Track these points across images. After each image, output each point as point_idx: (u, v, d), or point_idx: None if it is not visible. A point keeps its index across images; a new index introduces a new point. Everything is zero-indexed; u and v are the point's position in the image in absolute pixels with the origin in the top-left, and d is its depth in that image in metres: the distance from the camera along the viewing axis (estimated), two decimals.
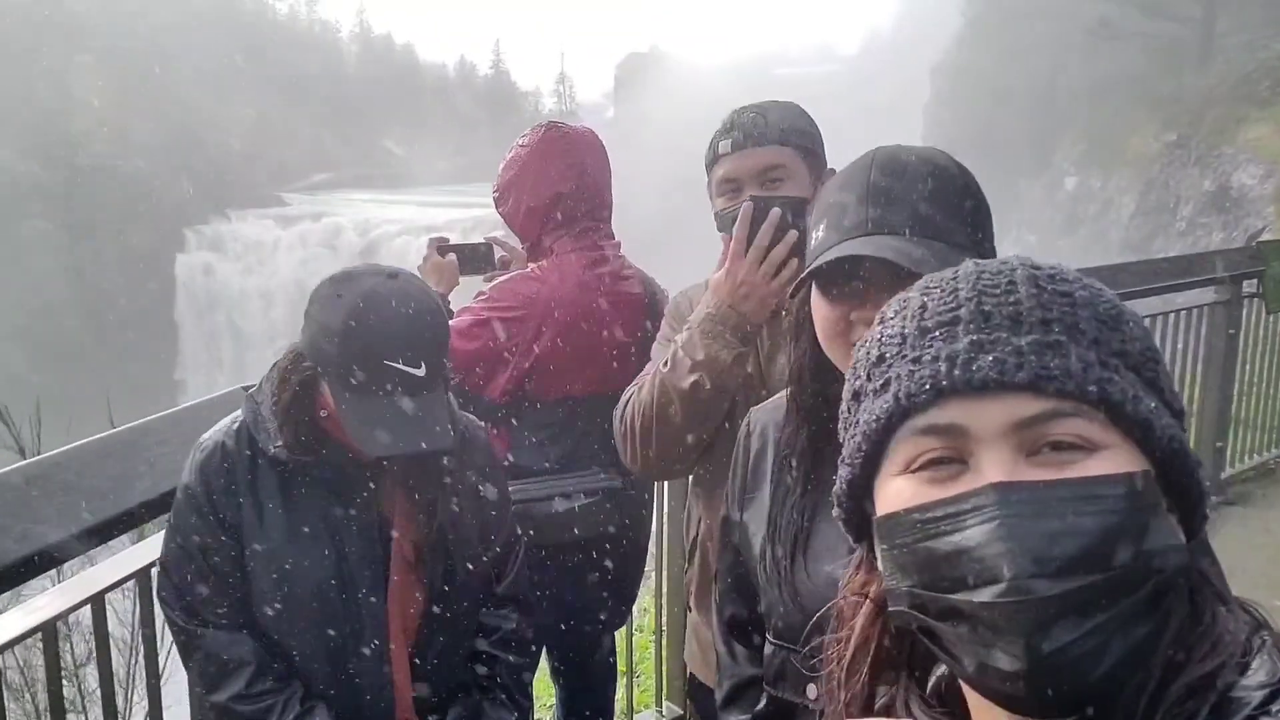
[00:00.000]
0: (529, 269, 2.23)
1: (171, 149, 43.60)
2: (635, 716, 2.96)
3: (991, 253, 1.10)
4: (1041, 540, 0.57)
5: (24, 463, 1.75)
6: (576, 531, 2.15)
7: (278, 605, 1.56)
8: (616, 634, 2.56)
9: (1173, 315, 4.53)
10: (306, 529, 1.57)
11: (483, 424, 1.85)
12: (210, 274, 40.71)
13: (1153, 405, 0.62)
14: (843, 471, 0.70)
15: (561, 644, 2.36)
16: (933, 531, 0.61)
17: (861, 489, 0.69)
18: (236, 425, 1.59)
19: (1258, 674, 0.57)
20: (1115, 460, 0.60)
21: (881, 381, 0.66)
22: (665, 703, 2.97)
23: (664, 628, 2.89)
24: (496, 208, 2.31)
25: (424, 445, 1.47)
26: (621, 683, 2.76)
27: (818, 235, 1.12)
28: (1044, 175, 34.35)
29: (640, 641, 3.35)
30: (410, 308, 1.48)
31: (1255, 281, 4.71)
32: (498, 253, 2.45)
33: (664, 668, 2.96)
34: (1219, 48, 24.09)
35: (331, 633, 1.57)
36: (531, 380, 2.15)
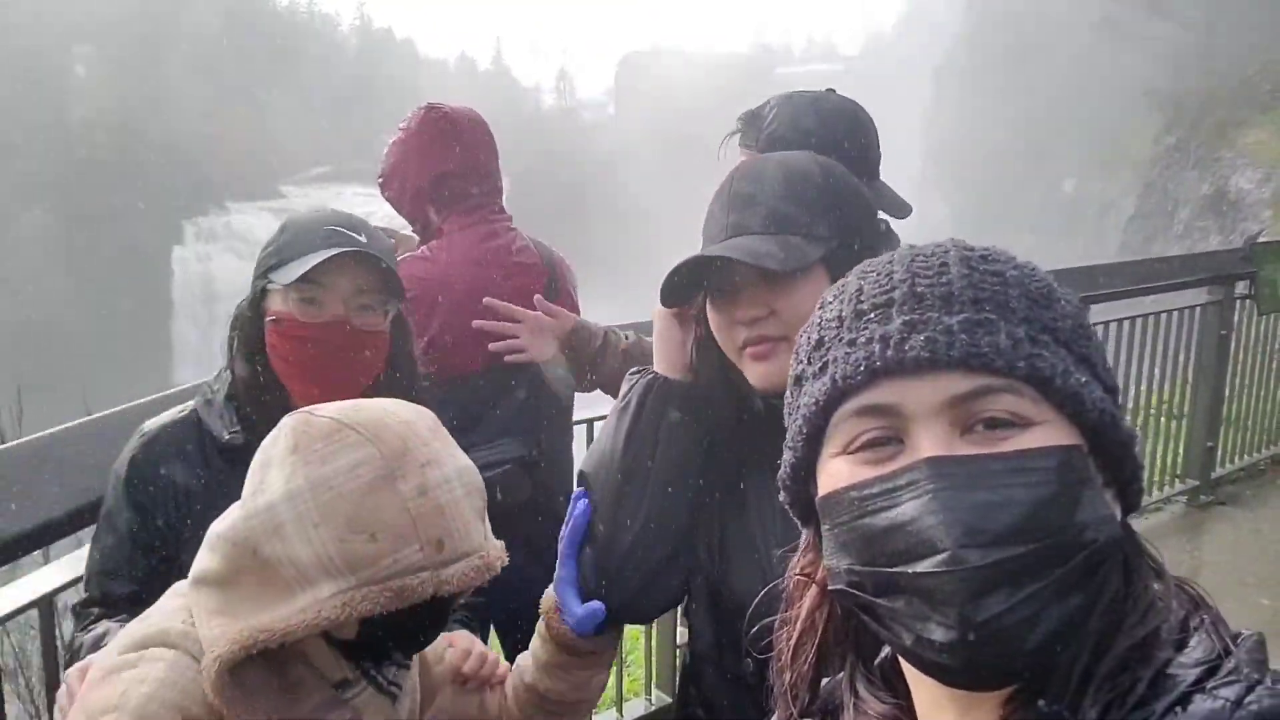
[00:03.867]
0: (419, 250, 2.21)
1: (170, 141, 43.56)
2: (624, 704, 2.98)
3: (870, 239, 1.16)
4: (974, 512, 0.58)
5: (22, 440, 1.77)
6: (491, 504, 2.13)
7: None
8: None
9: (1165, 316, 4.54)
10: None
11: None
12: (207, 266, 40.67)
13: (1083, 380, 0.64)
14: (786, 455, 0.72)
15: (504, 627, 2.28)
16: (870, 508, 0.62)
17: (805, 472, 0.70)
18: (185, 413, 1.47)
19: (1194, 651, 0.58)
20: (1048, 435, 0.61)
21: (820, 364, 0.67)
22: (654, 690, 2.99)
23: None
24: (382, 193, 2.28)
25: (361, 245, 1.39)
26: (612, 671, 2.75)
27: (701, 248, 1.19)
28: (1043, 177, 34.42)
29: (631, 631, 3.36)
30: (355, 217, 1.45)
31: (1247, 283, 4.72)
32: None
33: (653, 656, 2.98)
34: (1220, 51, 24.13)
35: None
36: (430, 359, 2.14)
